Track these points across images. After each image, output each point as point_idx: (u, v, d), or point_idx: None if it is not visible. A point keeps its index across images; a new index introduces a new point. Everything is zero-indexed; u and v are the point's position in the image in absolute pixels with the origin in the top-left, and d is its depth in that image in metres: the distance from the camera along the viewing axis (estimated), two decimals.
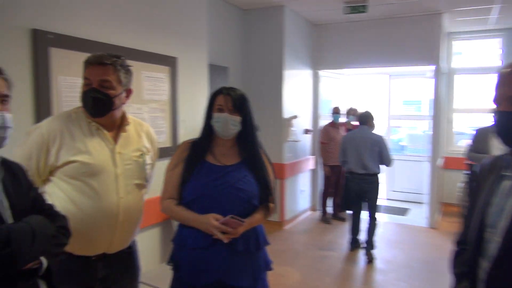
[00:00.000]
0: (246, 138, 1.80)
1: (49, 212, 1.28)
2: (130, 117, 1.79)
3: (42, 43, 2.21)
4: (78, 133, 1.59)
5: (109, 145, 1.64)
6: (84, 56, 2.46)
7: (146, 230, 3.05)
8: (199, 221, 1.68)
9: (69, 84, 2.37)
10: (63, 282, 1.46)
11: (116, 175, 1.62)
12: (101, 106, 1.58)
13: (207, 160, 1.79)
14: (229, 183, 1.73)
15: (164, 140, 3.19)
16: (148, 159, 1.77)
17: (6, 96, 1.17)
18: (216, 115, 1.76)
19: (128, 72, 1.70)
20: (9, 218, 1.14)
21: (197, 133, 1.87)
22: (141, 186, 1.73)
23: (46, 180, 1.58)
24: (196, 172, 1.75)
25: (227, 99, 1.76)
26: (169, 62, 3.21)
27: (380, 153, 4.34)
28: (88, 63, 1.61)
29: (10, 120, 1.15)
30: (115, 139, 1.67)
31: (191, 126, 3.42)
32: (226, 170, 1.77)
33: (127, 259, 1.75)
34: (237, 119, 1.76)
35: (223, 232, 1.65)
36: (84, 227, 1.53)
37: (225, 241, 1.66)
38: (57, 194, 1.55)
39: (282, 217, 5.36)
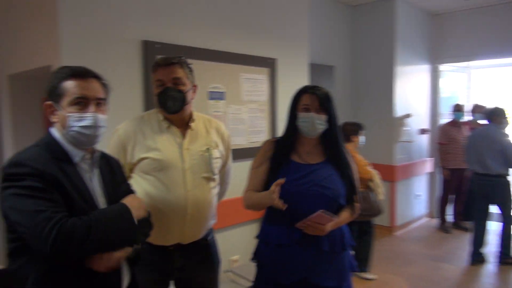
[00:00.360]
0: (331, 137, 1.78)
1: None
2: (197, 114, 1.89)
3: (150, 52, 2.50)
4: (149, 132, 1.73)
5: (177, 141, 1.75)
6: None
7: (246, 225, 3.19)
8: (266, 197, 1.67)
9: None
10: (145, 270, 1.63)
11: (184, 169, 1.72)
12: (178, 102, 1.71)
13: (292, 158, 1.79)
14: (314, 182, 1.72)
15: (263, 139, 3.29)
16: (216, 153, 1.84)
17: (102, 99, 1.34)
18: (302, 114, 1.75)
19: (191, 69, 1.81)
20: (102, 205, 1.32)
21: None
22: (208, 179, 1.81)
23: (128, 177, 1.76)
24: (281, 170, 1.77)
25: (313, 98, 1.74)
26: (268, 63, 3.31)
27: (503, 153, 3.82)
28: (158, 66, 1.73)
29: (103, 120, 1.32)
30: (184, 135, 1.78)
31: None
32: (312, 168, 1.75)
33: (203, 250, 1.85)
34: (323, 118, 1.74)
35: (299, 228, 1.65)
36: (158, 219, 1.65)
37: (283, 208, 1.61)
38: (136, 189, 1.70)
39: (393, 222, 5.04)
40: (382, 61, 5.03)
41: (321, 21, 4.76)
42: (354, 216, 1.80)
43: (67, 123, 1.26)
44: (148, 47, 2.51)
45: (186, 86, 1.75)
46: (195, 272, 1.81)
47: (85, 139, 1.28)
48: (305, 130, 1.76)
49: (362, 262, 3.61)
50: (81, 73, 1.30)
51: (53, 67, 2.25)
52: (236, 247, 3.13)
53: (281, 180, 1.63)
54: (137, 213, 1.30)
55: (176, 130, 1.76)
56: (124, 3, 2.43)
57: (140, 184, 1.70)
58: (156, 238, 1.66)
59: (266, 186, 1.79)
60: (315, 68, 4.65)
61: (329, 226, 1.66)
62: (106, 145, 1.70)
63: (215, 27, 2.94)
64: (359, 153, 3.64)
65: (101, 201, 1.32)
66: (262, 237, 1.84)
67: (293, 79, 3.58)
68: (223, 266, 2.94)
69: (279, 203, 1.61)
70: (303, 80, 3.70)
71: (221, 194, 2.04)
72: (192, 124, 1.81)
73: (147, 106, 2.52)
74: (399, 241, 4.83)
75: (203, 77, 2.83)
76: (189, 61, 2.70)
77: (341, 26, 5.11)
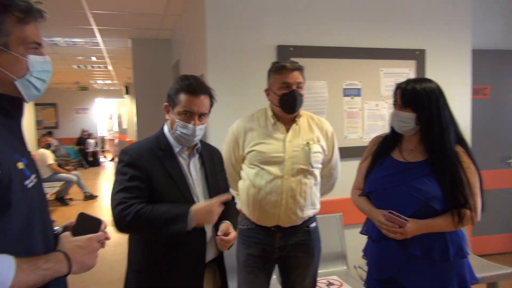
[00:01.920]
0: (428, 136, 1.64)
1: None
2: (303, 111, 2.00)
3: (284, 56, 2.73)
4: (257, 128, 1.94)
5: (282, 135, 1.92)
6: (319, 61, 2.86)
7: None
8: (372, 215, 1.71)
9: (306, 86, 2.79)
10: (250, 246, 1.95)
11: (284, 159, 1.88)
12: (299, 105, 1.89)
13: (391, 154, 1.76)
14: (405, 180, 1.64)
15: None
16: (316, 147, 1.93)
17: (204, 114, 1.60)
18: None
19: (304, 73, 1.93)
20: (198, 188, 1.61)
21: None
22: (305, 171, 1.91)
23: (240, 168, 2.02)
24: (377, 165, 1.76)
25: (399, 94, 1.67)
26: (415, 55, 3.10)
27: None
28: (285, 69, 1.88)
29: (200, 130, 1.56)
30: (288, 130, 1.93)
31: None
32: (407, 166, 1.67)
33: (303, 236, 1.98)
34: (406, 115, 1.63)
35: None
36: (259, 203, 1.89)
37: (397, 238, 1.60)
38: (244, 177, 1.98)
39: None
40: None
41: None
42: (462, 225, 1.59)
43: (174, 126, 1.56)
44: (283, 51, 2.75)
45: (303, 91, 1.92)
46: (293, 254, 1.96)
47: (184, 141, 1.58)
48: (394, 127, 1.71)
49: None
50: (194, 90, 1.56)
51: (204, 75, 2.74)
52: None
53: (387, 213, 1.61)
54: (200, 221, 1.49)
55: (281, 126, 1.94)
56: (261, 13, 2.74)
57: (247, 173, 1.96)
58: (259, 219, 1.92)
59: (364, 180, 1.81)
60: (494, 55, 4.02)
61: (411, 229, 1.56)
62: (221, 140, 2.04)
63: (351, 24, 2.95)
64: None
65: (197, 185, 1.62)
66: (362, 231, 1.86)
67: (449, 70, 3.23)
68: (356, 261, 2.97)
69: (393, 235, 1.60)
70: (463, 70, 3.29)
71: (328, 188, 2.14)
72: (299, 120, 1.96)
73: None
74: None
75: (337, 74, 2.91)
76: (323, 60, 2.86)
77: None
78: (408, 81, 1.68)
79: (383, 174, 1.71)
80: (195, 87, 1.56)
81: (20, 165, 0.97)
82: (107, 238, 1.15)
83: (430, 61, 3.15)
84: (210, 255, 1.60)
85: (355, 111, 2.97)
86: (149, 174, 1.50)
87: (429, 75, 3.13)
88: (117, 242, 4.64)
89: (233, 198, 1.86)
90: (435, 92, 1.63)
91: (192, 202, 1.55)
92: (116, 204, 1.46)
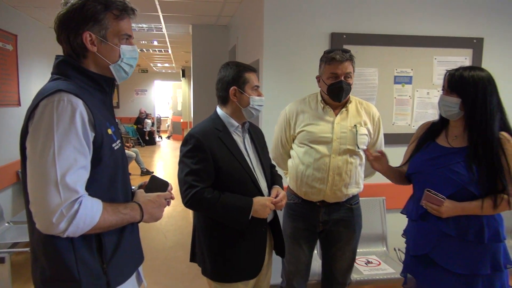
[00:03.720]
0: (472, 122, 1.70)
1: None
2: (353, 97, 2.11)
3: (337, 43, 2.84)
4: (308, 111, 2.10)
5: (330, 118, 2.06)
6: (371, 48, 2.93)
7: None
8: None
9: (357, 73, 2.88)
10: (295, 219, 2.15)
11: (332, 139, 2.02)
12: (346, 94, 2.01)
13: (436, 140, 1.85)
14: (444, 164, 1.73)
15: None
16: (362, 130, 2.05)
17: (258, 86, 1.82)
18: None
19: (354, 62, 2.04)
20: (253, 159, 1.82)
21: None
22: (351, 151, 2.04)
23: (291, 147, 2.18)
24: (422, 149, 1.87)
25: (446, 79, 1.75)
26: (472, 44, 3.07)
27: None
28: (334, 60, 1.98)
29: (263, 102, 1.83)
30: (337, 114, 2.06)
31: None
32: (448, 151, 1.76)
33: (346, 212, 2.12)
34: (451, 100, 1.71)
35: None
36: (306, 178, 2.05)
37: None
38: (294, 155, 2.14)
39: None
40: None
41: None
42: (500, 209, 1.66)
43: (249, 101, 1.76)
44: (336, 38, 2.86)
45: (352, 79, 2.02)
46: (335, 228, 2.12)
47: (255, 113, 1.80)
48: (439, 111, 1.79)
49: None
50: (253, 69, 1.82)
51: (260, 61, 2.91)
52: None
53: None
54: (256, 214, 1.70)
55: (330, 110, 2.08)
56: (316, 1, 2.85)
57: (296, 151, 2.13)
58: (306, 194, 2.09)
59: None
60: None
61: (446, 209, 1.66)
62: (273, 123, 2.22)
63: (405, 12, 2.98)
64: None
65: (252, 157, 1.83)
66: (403, 211, 1.98)
67: (508, 59, 3.16)
68: (395, 244, 3.06)
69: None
70: None
71: (372, 170, 2.21)
72: (348, 105, 2.08)
73: None
74: None
75: (389, 62, 2.98)
76: (375, 47, 2.93)
77: None
78: (459, 68, 1.73)
79: (426, 158, 1.81)
80: (250, 66, 1.82)
81: (110, 131, 1.21)
82: (172, 198, 1.38)
83: (488, 50, 3.10)
84: (269, 217, 1.81)
85: (405, 98, 3.02)
86: (214, 153, 1.69)
87: (486, 64, 3.09)
88: (170, 214, 5.07)
89: (274, 166, 2.07)
90: (483, 80, 1.68)
91: (252, 174, 1.76)
92: (188, 186, 1.67)
